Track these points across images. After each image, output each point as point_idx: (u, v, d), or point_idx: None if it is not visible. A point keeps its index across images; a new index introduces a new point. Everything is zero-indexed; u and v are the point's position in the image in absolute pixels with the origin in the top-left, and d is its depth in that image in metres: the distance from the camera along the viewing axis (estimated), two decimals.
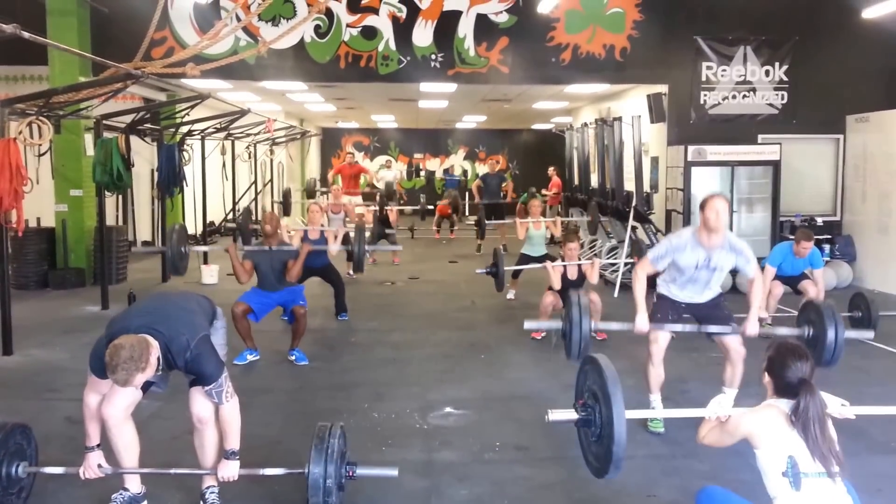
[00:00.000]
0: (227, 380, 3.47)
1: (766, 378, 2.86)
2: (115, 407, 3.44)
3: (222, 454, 3.52)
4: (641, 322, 4.65)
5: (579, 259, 7.38)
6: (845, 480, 2.65)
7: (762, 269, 7.33)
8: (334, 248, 7.83)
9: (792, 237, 7.49)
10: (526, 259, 8.83)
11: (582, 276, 7.22)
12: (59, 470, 3.59)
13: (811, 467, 2.61)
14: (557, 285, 7.17)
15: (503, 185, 14.69)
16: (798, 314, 5.27)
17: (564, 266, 7.21)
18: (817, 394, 2.70)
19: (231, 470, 3.47)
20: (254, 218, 16.33)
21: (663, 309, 4.84)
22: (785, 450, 2.65)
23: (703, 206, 4.56)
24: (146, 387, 3.55)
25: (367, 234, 12.93)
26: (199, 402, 3.52)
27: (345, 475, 3.36)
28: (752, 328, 4.64)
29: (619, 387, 2.98)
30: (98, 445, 3.48)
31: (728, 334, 4.74)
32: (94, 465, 3.46)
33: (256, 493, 3.83)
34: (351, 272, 10.66)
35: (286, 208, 13.98)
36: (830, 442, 2.65)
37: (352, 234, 7.86)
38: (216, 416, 3.52)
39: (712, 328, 4.74)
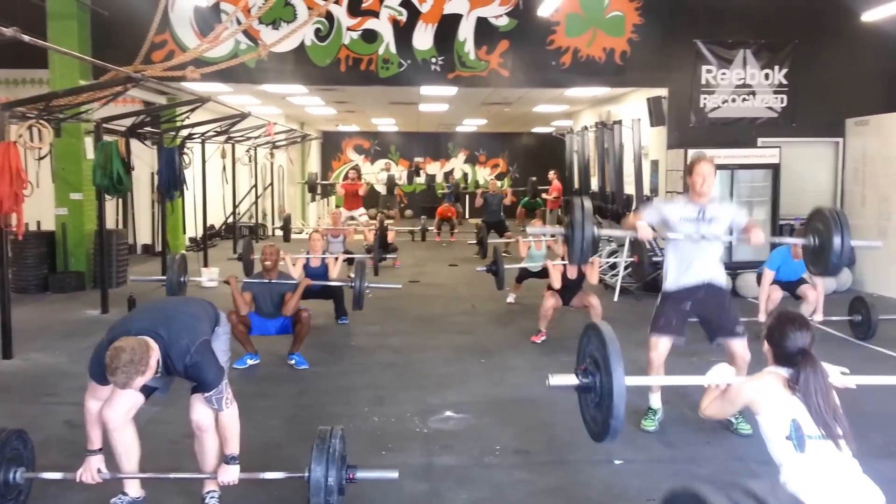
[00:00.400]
0: (227, 386, 3.47)
1: (766, 346, 2.85)
2: (115, 410, 3.44)
3: (222, 459, 3.52)
4: (642, 227, 4.58)
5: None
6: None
7: (760, 274, 7.39)
8: (335, 273, 7.86)
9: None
10: (526, 273, 8.93)
11: (581, 276, 7.23)
12: (57, 475, 3.59)
13: (815, 430, 2.60)
14: (557, 284, 7.19)
15: (504, 201, 14.70)
16: (805, 223, 5.13)
17: (564, 265, 7.22)
18: (818, 364, 2.68)
19: (231, 474, 3.46)
20: (255, 222, 16.40)
21: (667, 314, 4.75)
22: (787, 414, 2.63)
23: (689, 171, 4.60)
24: (148, 392, 3.56)
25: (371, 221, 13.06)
26: (199, 410, 3.51)
27: (345, 478, 3.36)
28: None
29: (620, 354, 2.93)
30: (100, 450, 3.48)
31: (737, 337, 4.67)
32: (94, 469, 3.46)
33: (257, 497, 3.83)
34: (351, 275, 10.66)
35: (286, 234, 14.00)
36: (835, 410, 2.62)
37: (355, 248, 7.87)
38: (216, 422, 3.51)
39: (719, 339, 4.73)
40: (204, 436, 3.55)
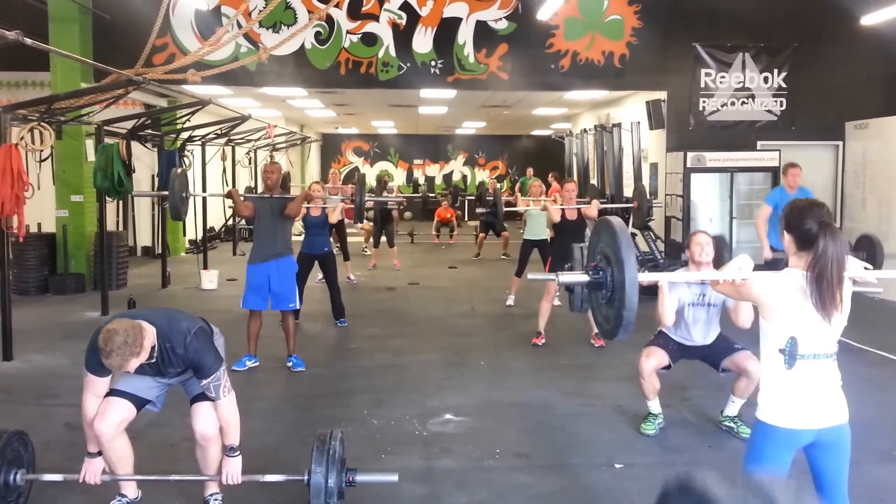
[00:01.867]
0: (226, 374, 3.45)
1: (786, 238, 2.79)
2: (107, 424, 3.42)
3: (223, 451, 3.50)
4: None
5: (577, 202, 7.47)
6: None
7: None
8: (335, 217, 7.93)
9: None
10: (528, 246, 8.84)
11: (581, 218, 7.31)
12: (57, 477, 3.59)
13: (808, 349, 2.67)
14: (556, 218, 7.22)
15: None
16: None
17: (563, 209, 7.28)
18: (839, 234, 2.63)
19: (234, 466, 3.43)
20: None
21: (664, 338, 4.89)
22: (789, 329, 2.68)
23: (688, 244, 4.83)
24: (140, 404, 3.55)
25: (368, 224, 13.06)
26: (203, 419, 3.51)
27: (345, 481, 3.36)
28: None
29: (633, 248, 2.85)
30: (100, 453, 3.48)
31: (739, 351, 4.74)
32: (96, 472, 3.46)
33: (257, 500, 3.83)
34: (350, 276, 10.72)
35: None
36: (841, 282, 2.61)
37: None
38: (218, 429, 3.51)
39: (724, 362, 4.80)
40: (209, 445, 3.54)
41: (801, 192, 7.38)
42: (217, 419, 3.48)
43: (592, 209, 7.38)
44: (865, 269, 2.89)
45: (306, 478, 3.24)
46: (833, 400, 2.72)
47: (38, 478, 3.61)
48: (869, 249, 7.30)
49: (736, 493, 1.21)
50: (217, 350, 3.50)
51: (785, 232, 2.80)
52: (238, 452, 3.46)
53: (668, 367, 4.86)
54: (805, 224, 2.69)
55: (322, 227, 7.80)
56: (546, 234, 8.85)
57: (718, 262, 4.68)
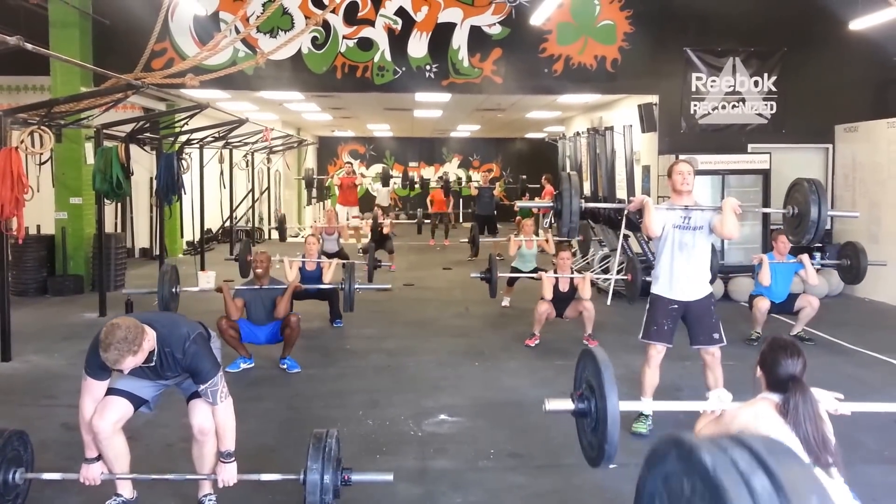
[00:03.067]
0: (223, 380, 3.48)
1: (759, 372, 2.88)
2: (105, 421, 3.45)
3: (218, 457, 3.52)
4: (648, 204, 4.81)
5: (571, 270, 7.50)
6: (852, 491, 2.67)
7: (754, 297, 7.50)
8: (329, 277, 7.88)
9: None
10: (517, 273, 9.04)
11: (573, 289, 7.31)
12: (56, 476, 3.61)
13: (806, 458, 2.62)
14: (549, 295, 7.27)
15: (495, 193, 14.90)
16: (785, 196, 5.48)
17: (556, 279, 7.30)
18: (808, 391, 2.71)
19: (229, 472, 3.46)
20: (251, 226, 16.49)
21: (658, 318, 4.90)
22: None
23: (669, 173, 4.88)
24: (137, 404, 3.60)
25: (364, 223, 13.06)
26: (201, 414, 3.54)
27: (340, 480, 3.37)
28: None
29: (614, 379, 2.98)
30: (98, 458, 3.50)
31: (714, 344, 4.88)
32: (94, 478, 3.48)
33: (252, 500, 3.85)
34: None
35: (281, 235, 14.17)
36: (824, 438, 2.65)
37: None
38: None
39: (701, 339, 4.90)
40: (205, 440, 3.56)
41: (786, 268, 7.36)
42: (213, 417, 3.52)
43: (585, 289, 7.23)
44: (837, 398, 2.97)
45: (302, 476, 3.26)
46: None
47: (38, 477, 3.62)
48: (853, 257, 7.43)
49: (723, 453, 1.26)
50: (215, 356, 3.55)
51: (758, 367, 2.88)
52: (233, 458, 3.48)
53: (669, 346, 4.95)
54: (778, 370, 2.79)
55: (317, 280, 7.81)
56: (535, 264, 9.01)
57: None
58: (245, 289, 6.54)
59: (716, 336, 4.87)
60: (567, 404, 3.22)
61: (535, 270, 8.77)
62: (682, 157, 4.88)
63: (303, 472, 3.26)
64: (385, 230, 12.61)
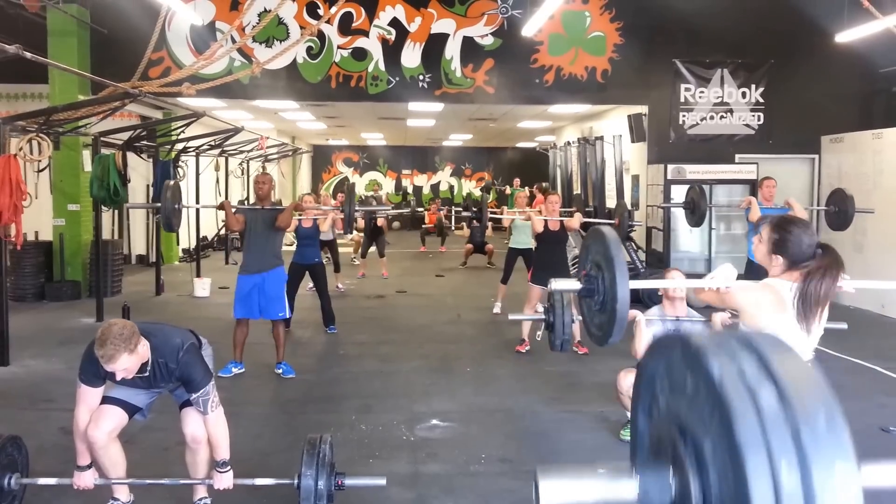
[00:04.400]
0: (214, 389, 3.50)
1: (777, 260, 2.79)
2: (100, 430, 3.46)
3: (213, 466, 3.53)
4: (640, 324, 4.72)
5: (560, 215, 7.61)
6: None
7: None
8: (326, 226, 8.07)
9: None
10: (514, 254, 9.05)
11: (563, 230, 7.45)
12: (51, 481, 3.61)
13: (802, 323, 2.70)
14: (540, 228, 7.37)
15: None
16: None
17: (546, 220, 7.42)
18: (839, 259, 2.68)
19: (225, 481, 3.47)
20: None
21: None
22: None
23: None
24: (131, 412, 3.63)
25: (358, 235, 13.19)
26: (194, 422, 3.56)
27: (334, 485, 3.38)
28: None
29: (623, 253, 2.83)
30: (90, 466, 3.50)
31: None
32: (88, 483, 3.50)
33: None
34: (339, 285, 10.92)
35: None
36: (825, 303, 2.68)
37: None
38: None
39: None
40: (199, 447, 3.58)
41: (774, 213, 7.46)
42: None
43: (575, 222, 7.55)
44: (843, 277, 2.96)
45: (296, 481, 3.27)
46: None
47: (33, 482, 3.63)
48: (840, 203, 7.55)
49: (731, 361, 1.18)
50: (207, 366, 3.56)
51: (775, 255, 2.79)
52: (229, 467, 3.49)
53: None
54: (802, 243, 2.72)
55: (313, 238, 7.97)
56: (531, 243, 9.08)
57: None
58: (246, 208, 6.68)
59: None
60: (573, 284, 3.11)
61: (529, 250, 8.74)
62: (674, 268, 4.97)
63: (297, 477, 3.28)
64: (379, 222, 12.72)
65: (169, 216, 6.69)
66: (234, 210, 6.56)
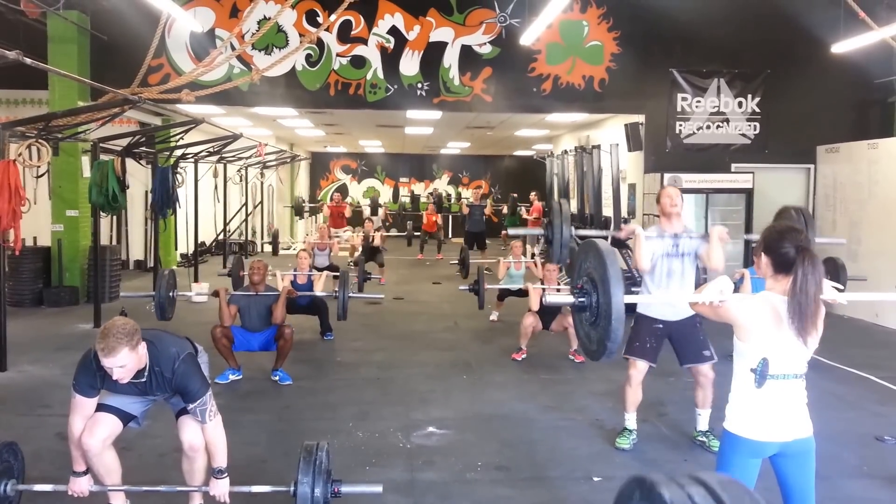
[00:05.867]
0: (212, 398, 3.49)
1: (764, 259, 2.83)
2: (94, 437, 3.46)
3: (211, 473, 3.52)
4: (639, 234, 4.76)
5: (558, 283, 7.65)
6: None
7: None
8: (320, 287, 8.08)
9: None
10: (507, 292, 9.17)
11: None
12: (47, 487, 3.61)
13: (779, 370, 2.74)
14: (536, 306, 7.39)
15: (485, 210, 15.13)
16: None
17: (544, 289, 7.41)
18: (817, 260, 2.68)
19: (222, 487, 3.45)
20: (244, 239, 16.62)
21: (642, 335, 4.91)
22: (761, 350, 2.73)
23: (658, 199, 4.96)
24: (126, 420, 3.63)
25: (356, 238, 13.22)
26: (190, 431, 3.56)
27: (330, 492, 3.37)
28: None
29: (618, 268, 2.84)
30: (86, 472, 3.51)
31: (705, 362, 4.87)
32: (83, 489, 3.49)
33: None
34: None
35: (274, 248, 14.38)
36: (816, 311, 2.68)
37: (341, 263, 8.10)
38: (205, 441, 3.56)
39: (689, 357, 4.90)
40: (196, 455, 3.58)
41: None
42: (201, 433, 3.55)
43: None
44: (835, 288, 2.98)
45: (293, 488, 3.26)
46: (798, 416, 2.79)
47: (29, 488, 3.62)
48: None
49: (681, 489, 1.34)
50: (204, 375, 3.56)
51: (762, 254, 2.83)
52: (226, 474, 3.48)
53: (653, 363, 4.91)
54: (783, 248, 2.74)
55: (309, 291, 7.98)
56: (523, 284, 9.10)
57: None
58: (240, 295, 6.67)
59: (706, 353, 4.86)
60: (567, 298, 3.08)
61: (520, 290, 8.87)
62: (667, 179, 4.95)
63: (293, 484, 3.27)
64: (375, 242, 12.76)
65: (164, 304, 6.73)
66: (228, 297, 6.54)
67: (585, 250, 3.05)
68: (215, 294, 6.64)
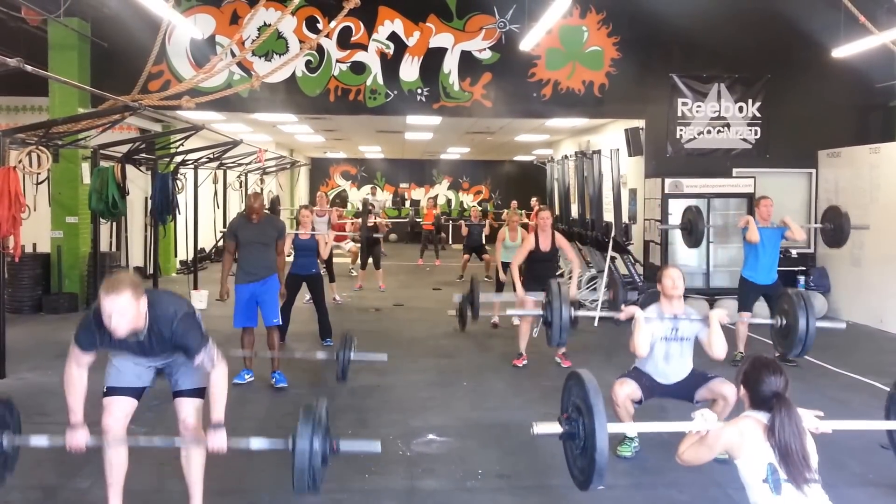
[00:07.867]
0: (214, 346, 3.53)
1: (742, 391, 2.92)
2: (114, 417, 3.54)
3: (209, 426, 3.47)
4: (638, 317, 4.70)
5: (553, 230, 7.56)
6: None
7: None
8: (326, 253, 8.18)
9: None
10: (505, 267, 8.96)
11: (555, 248, 7.42)
12: (42, 440, 3.52)
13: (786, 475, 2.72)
14: (527, 248, 7.35)
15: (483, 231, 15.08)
16: (773, 306, 5.37)
17: (537, 238, 7.37)
18: (792, 407, 2.75)
19: (219, 439, 3.41)
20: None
21: (637, 373, 4.86)
22: (764, 458, 2.73)
23: (659, 278, 4.89)
24: (139, 395, 3.70)
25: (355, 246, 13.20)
26: (185, 409, 3.68)
27: (329, 448, 3.36)
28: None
29: (602, 400, 2.97)
30: (82, 424, 3.48)
31: (713, 378, 4.76)
32: (80, 444, 3.46)
33: None
34: (336, 297, 10.93)
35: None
36: (806, 457, 2.70)
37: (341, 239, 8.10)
38: (200, 422, 3.67)
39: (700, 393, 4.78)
40: (188, 434, 3.63)
41: (772, 232, 7.45)
42: (198, 414, 3.68)
43: (569, 250, 7.56)
44: (817, 416, 3.00)
45: (291, 443, 3.23)
46: None
47: (25, 442, 3.56)
48: (836, 220, 7.57)
49: None
50: (202, 330, 3.58)
51: (741, 385, 2.92)
52: (223, 427, 3.45)
53: (639, 402, 4.78)
54: (761, 387, 2.82)
55: (311, 250, 8.05)
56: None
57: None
58: (238, 222, 6.66)
59: (709, 374, 4.79)
60: (555, 427, 3.25)
61: None
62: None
63: (291, 437, 3.24)
64: (379, 224, 12.76)
65: None
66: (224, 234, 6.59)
67: (571, 382, 3.29)
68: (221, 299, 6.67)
